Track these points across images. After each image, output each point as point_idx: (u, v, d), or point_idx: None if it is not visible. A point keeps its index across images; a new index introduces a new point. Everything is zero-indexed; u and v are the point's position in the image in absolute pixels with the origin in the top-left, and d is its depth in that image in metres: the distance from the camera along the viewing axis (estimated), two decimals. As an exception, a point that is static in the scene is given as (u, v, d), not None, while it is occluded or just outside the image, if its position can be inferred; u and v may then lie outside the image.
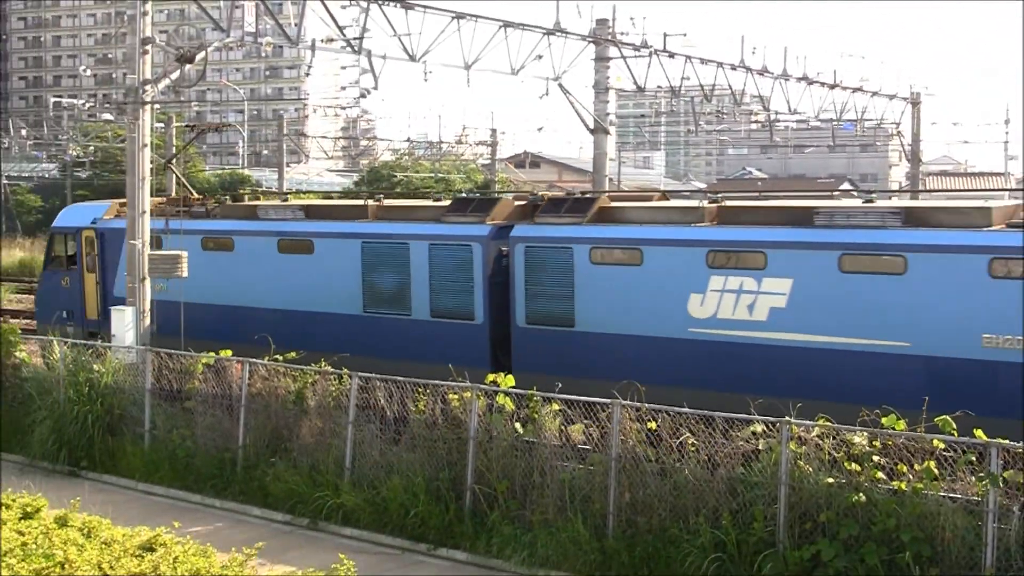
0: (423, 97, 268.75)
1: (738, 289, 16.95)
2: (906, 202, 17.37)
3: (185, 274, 20.48)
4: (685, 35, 33.35)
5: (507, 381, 14.95)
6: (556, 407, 14.41)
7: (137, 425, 18.41)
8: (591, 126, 31.86)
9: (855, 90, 42.06)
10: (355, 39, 25.10)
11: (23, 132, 73.90)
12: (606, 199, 20.02)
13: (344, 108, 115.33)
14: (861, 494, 11.75)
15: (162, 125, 44.26)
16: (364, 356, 17.89)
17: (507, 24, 27.89)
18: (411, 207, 22.67)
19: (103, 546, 11.49)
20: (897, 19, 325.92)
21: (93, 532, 12.16)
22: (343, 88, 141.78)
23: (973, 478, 11.52)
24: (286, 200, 25.00)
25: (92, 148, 69.77)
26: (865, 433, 12.15)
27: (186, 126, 36.84)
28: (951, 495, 11.58)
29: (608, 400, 13.81)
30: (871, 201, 17.35)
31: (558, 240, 18.77)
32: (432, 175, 70.69)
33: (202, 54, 20.83)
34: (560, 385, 14.88)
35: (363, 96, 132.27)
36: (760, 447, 12.70)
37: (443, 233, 20.13)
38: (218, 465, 17.06)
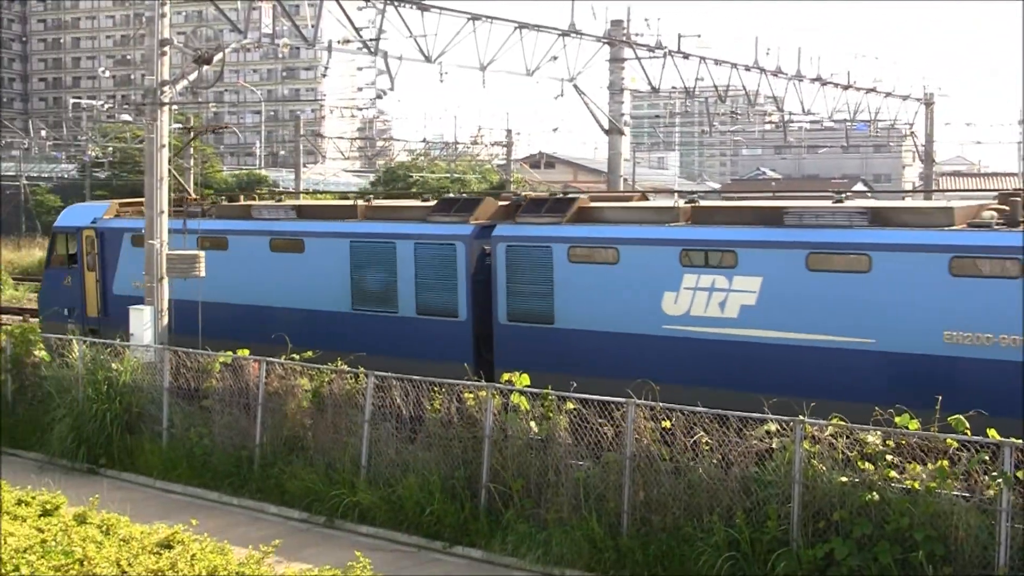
0: (439, 98, 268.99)
1: (710, 287, 17.33)
2: (873, 202, 17.74)
3: (203, 274, 20.62)
4: (699, 36, 33.33)
5: (522, 380, 15.02)
6: (571, 406, 14.46)
7: (155, 423, 18.56)
8: (606, 127, 31.89)
9: (868, 91, 41.97)
10: (371, 40, 25.23)
11: (43, 133, 74.31)
12: (585, 199, 20.36)
13: (360, 109, 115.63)
14: (875, 493, 11.78)
15: (180, 126, 44.47)
16: (353, 352, 18.18)
17: (522, 25, 27.94)
18: (398, 207, 23.10)
19: (121, 543, 11.59)
20: (911, 19, 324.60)
21: (112, 529, 12.26)
22: (359, 89, 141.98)
23: (986, 477, 11.52)
24: (280, 200, 25.31)
25: (111, 149, 70.11)
26: (879, 432, 12.16)
27: (183, 128, 37.07)
28: (964, 494, 11.60)
29: (623, 399, 13.87)
30: (841, 202, 17.69)
31: (538, 239, 19.14)
32: (448, 175, 70.75)
33: (219, 55, 20.93)
34: (575, 385, 14.95)
35: (379, 97, 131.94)
36: (774, 446, 12.73)
37: (428, 232, 20.50)
38: (235, 463, 17.17)
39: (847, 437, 12.39)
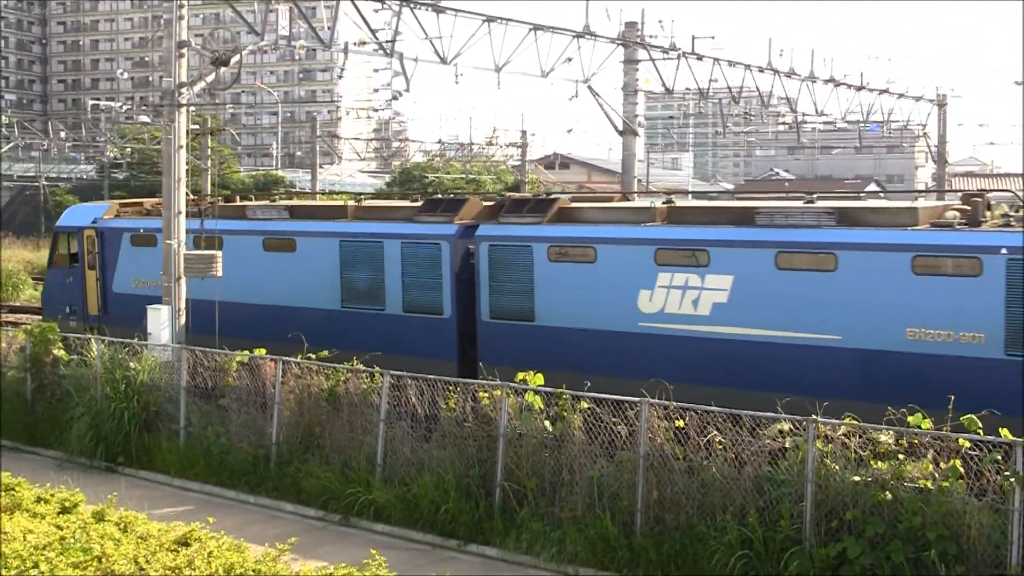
0: (454, 99, 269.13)
1: (683, 285, 17.71)
2: (842, 203, 18.09)
3: (220, 273, 20.79)
4: (713, 38, 33.49)
5: (536, 380, 15.10)
6: (585, 405, 14.52)
7: (172, 422, 18.68)
8: (620, 128, 31.91)
9: (882, 92, 41.96)
10: (387, 42, 25.35)
11: (62, 134, 74.75)
12: (566, 200, 20.81)
13: (376, 110, 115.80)
14: (887, 492, 11.80)
15: (197, 127, 44.68)
16: (342, 349, 18.51)
17: (537, 27, 28.00)
18: (387, 207, 23.56)
19: (139, 541, 11.59)
20: (924, 20, 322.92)
21: (129, 527, 12.27)
22: (375, 90, 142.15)
23: (998, 477, 11.53)
24: (275, 201, 25.84)
25: (129, 150, 70.50)
26: (891, 431, 12.19)
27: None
28: (977, 494, 11.62)
29: (636, 399, 13.92)
30: (812, 202, 17.99)
31: (519, 239, 19.56)
32: (463, 176, 70.81)
33: (237, 57, 21.06)
34: (589, 384, 15.01)
35: (395, 98, 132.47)
36: (787, 445, 12.77)
37: (414, 232, 20.98)
38: (252, 461, 17.27)
39: (860, 436, 12.41)
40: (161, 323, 20.48)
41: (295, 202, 26.19)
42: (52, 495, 13.63)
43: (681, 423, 13.58)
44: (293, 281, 22.45)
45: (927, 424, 12.16)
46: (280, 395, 17.33)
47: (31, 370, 21.01)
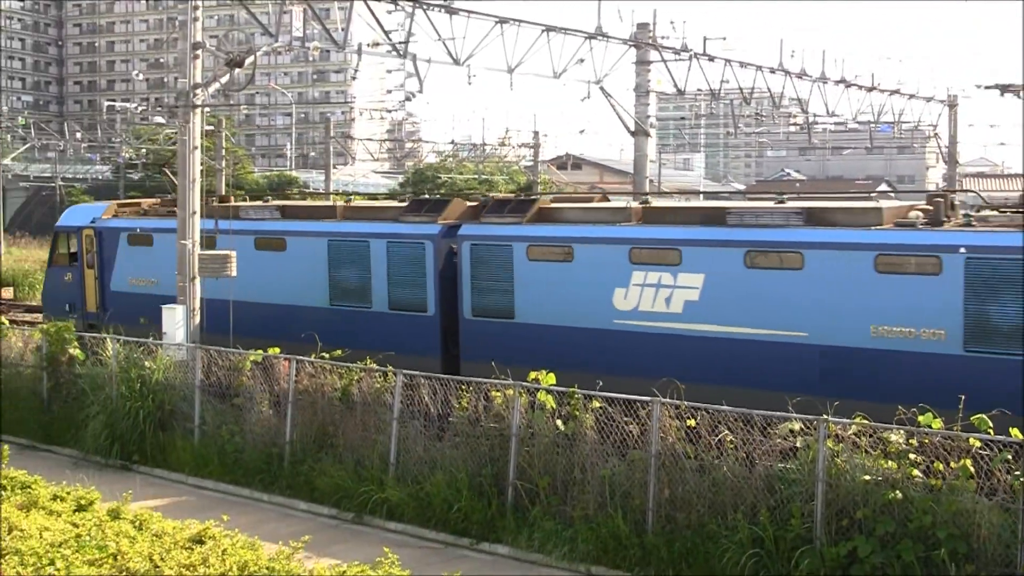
0: (467, 100, 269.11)
1: (657, 283, 18.11)
2: (810, 203, 18.38)
3: (234, 273, 20.93)
4: (724, 39, 33.42)
5: (548, 379, 15.16)
6: (597, 404, 14.57)
7: (187, 421, 18.80)
8: (632, 128, 31.90)
9: (892, 92, 41.89)
10: (400, 43, 25.39)
11: (78, 135, 75.11)
12: (546, 200, 21.23)
13: (390, 111, 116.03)
14: (897, 491, 11.82)
15: (212, 128, 44.89)
16: (331, 346, 18.78)
17: (549, 28, 28.04)
18: (374, 207, 24.15)
19: (154, 538, 11.64)
20: (929, 20, 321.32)
21: (144, 525, 12.33)
22: (389, 91, 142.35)
23: (1009, 476, 11.54)
24: (267, 202, 26.27)
25: (144, 150, 70.79)
26: (902, 431, 12.22)
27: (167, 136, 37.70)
28: (987, 493, 11.63)
29: (648, 398, 13.97)
30: (782, 203, 18.30)
31: (499, 238, 19.98)
32: (476, 177, 70.91)
33: (251, 58, 21.16)
34: (601, 383, 15.07)
35: (408, 99, 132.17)
36: (798, 445, 12.80)
37: (399, 232, 21.49)
38: (266, 460, 17.37)
39: (870, 436, 12.44)
40: (176, 322, 20.60)
41: (286, 202, 26.67)
42: (68, 493, 13.70)
43: (693, 422, 13.62)
44: (284, 280, 22.89)
45: (937, 424, 12.18)
46: (293, 394, 17.43)
47: (47, 369, 21.17)
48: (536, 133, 66.21)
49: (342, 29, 24.02)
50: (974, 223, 16.45)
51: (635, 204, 19.81)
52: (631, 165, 34.70)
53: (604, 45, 29.55)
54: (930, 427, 12.15)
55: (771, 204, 18.35)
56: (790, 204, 18.16)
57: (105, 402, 19.21)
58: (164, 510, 13.57)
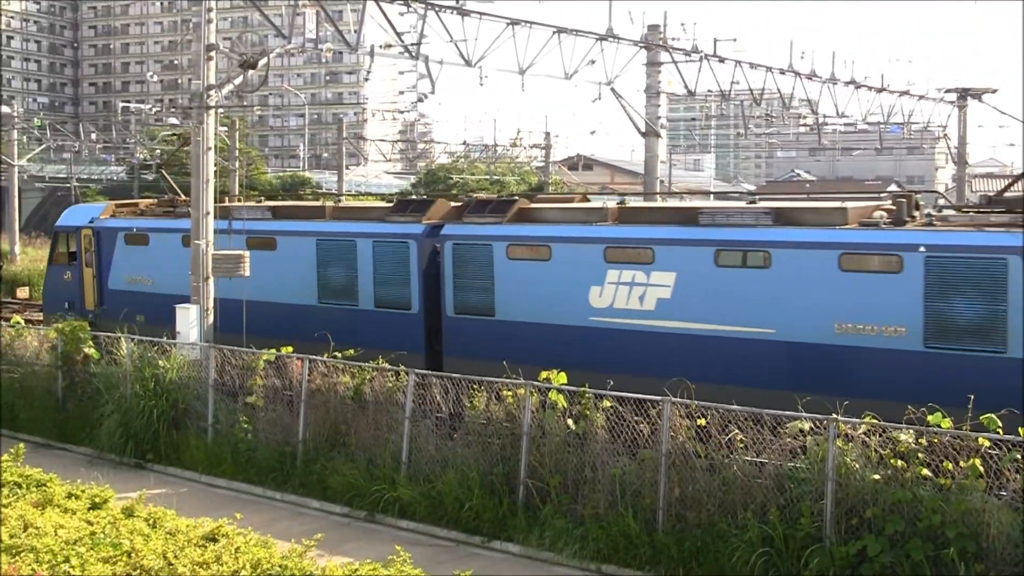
0: (479, 101, 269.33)
1: (631, 282, 18.48)
2: (778, 203, 18.73)
3: (247, 273, 21.05)
4: (735, 40, 33.43)
5: (560, 378, 15.23)
6: (608, 404, 14.62)
7: (200, 419, 18.90)
8: (643, 129, 31.92)
9: (902, 93, 41.87)
10: (413, 45, 25.47)
11: (93, 136, 75.40)
12: (525, 201, 21.64)
13: (402, 112, 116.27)
14: (907, 491, 11.84)
15: (226, 128, 45.06)
16: (319, 343, 19.08)
17: (561, 30, 28.10)
18: (361, 208, 24.65)
19: (168, 536, 11.66)
20: (944, 20, 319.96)
21: (158, 522, 12.36)
22: (401, 92, 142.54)
23: (1018, 476, 11.56)
24: (260, 202, 26.78)
25: (158, 151, 71.08)
26: (911, 430, 12.24)
27: (173, 135, 38.08)
28: (996, 492, 11.65)
29: (659, 397, 14.03)
30: (754, 203, 18.72)
31: (480, 238, 20.39)
32: (487, 177, 70.99)
33: (264, 60, 21.25)
34: (612, 383, 15.13)
35: (420, 100, 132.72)
36: (807, 444, 12.83)
37: (385, 231, 21.95)
38: (278, 459, 17.46)
39: (880, 435, 12.46)
40: (189, 322, 20.72)
41: (276, 203, 27.11)
42: (83, 491, 13.72)
43: (703, 421, 13.67)
44: (274, 278, 23.21)
45: (947, 423, 12.20)
46: (306, 393, 17.54)
47: (62, 368, 21.29)
48: (547, 134, 66.34)
49: (355, 31, 24.11)
50: (935, 223, 16.74)
51: (612, 205, 20.18)
52: (642, 166, 34.72)
53: (615, 47, 29.61)
54: (939, 427, 12.15)
55: (742, 204, 18.75)
56: (760, 204, 18.52)
57: (119, 401, 19.33)
58: (178, 508, 13.61)
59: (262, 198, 30.58)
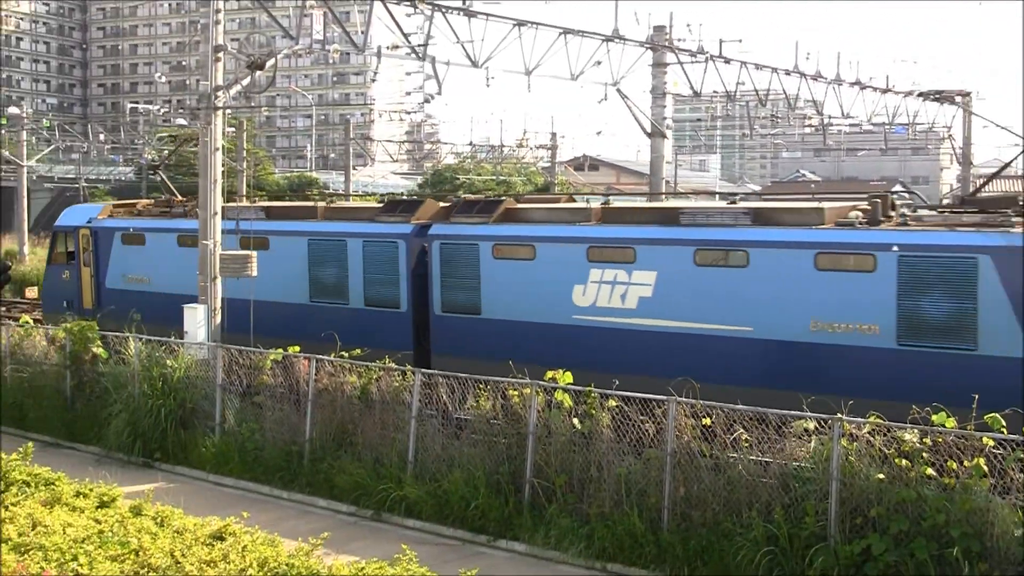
0: (485, 102, 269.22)
1: (613, 280, 18.71)
2: (757, 203, 19.12)
3: (255, 273, 21.14)
4: (740, 41, 33.51)
5: (565, 378, 15.27)
6: (613, 403, 14.66)
7: (208, 419, 18.97)
8: (648, 130, 31.94)
9: (907, 94, 41.84)
10: (419, 46, 25.51)
11: (101, 137, 75.62)
12: (512, 201, 21.92)
13: (409, 113, 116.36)
14: (911, 490, 11.87)
15: (233, 129, 45.19)
16: (311, 342, 19.27)
17: (567, 31, 28.13)
18: (352, 208, 25.00)
19: (175, 535, 11.72)
20: (949, 21, 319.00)
21: (166, 521, 12.42)
22: (408, 93, 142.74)
23: (1022, 475, 11.57)
24: (254, 202, 27.11)
25: (165, 151, 71.27)
26: (916, 430, 12.27)
27: (170, 137, 38.31)
28: (1001, 492, 11.67)
29: (664, 397, 14.07)
30: (734, 203, 18.87)
31: (467, 237, 20.63)
32: (494, 178, 71.04)
33: (272, 61, 21.35)
34: (617, 382, 15.18)
35: (427, 101, 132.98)
36: (812, 444, 12.86)
37: (374, 231, 22.27)
38: (285, 458, 17.51)
39: (884, 435, 12.49)
40: (197, 322, 20.80)
41: (271, 203, 27.32)
42: (91, 490, 13.78)
43: (708, 421, 13.71)
44: (267, 277, 23.22)
45: (951, 423, 12.23)
46: (313, 392, 17.60)
47: (71, 367, 21.39)
48: (553, 134, 66.31)
49: (361, 32, 24.20)
50: (909, 223, 16.90)
51: (596, 205, 20.40)
52: (647, 166, 34.73)
53: (621, 47, 29.63)
54: (944, 426, 12.18)
55: (722, 204, 18.90)
56: (740, 204, 18.69)
57: (128, 400, 19.39)
58: (185, 507, 13.67)
59: (265, 198, 30.81)
